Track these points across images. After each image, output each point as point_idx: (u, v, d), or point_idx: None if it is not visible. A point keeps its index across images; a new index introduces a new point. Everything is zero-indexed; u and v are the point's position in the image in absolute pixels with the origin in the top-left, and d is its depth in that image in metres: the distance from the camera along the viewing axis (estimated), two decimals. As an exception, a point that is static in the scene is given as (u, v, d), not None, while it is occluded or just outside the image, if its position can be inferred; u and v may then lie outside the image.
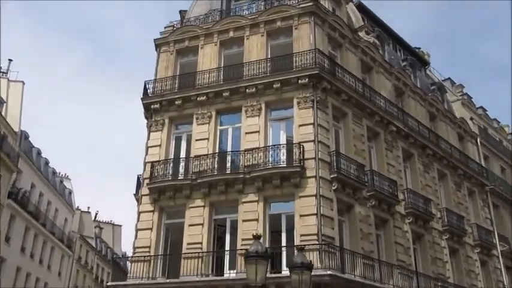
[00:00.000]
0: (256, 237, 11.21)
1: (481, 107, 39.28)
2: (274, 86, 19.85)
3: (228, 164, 19.37)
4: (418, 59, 33.27)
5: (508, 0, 79.47)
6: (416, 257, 22.75)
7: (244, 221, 18.23)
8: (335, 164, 18.69)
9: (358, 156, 20.48)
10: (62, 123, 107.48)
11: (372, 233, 19.66)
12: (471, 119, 33.45)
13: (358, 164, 19.86)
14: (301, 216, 17.67)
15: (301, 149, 18.40)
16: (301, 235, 17.33)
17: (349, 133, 20.76)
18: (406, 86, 26.49)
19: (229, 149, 20.10)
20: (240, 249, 17.24)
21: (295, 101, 19.55)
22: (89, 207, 57.47)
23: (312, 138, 18.69)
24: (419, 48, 35.52)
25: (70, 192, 49.37)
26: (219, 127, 20.75)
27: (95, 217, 59.87)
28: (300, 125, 19.14)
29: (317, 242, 16.81)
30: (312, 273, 16.18)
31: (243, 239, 17.87)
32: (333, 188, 18.41)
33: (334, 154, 18.91)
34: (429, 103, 28.08)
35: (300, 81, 19.48)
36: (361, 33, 25.15)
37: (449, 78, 37.13)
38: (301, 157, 18.27)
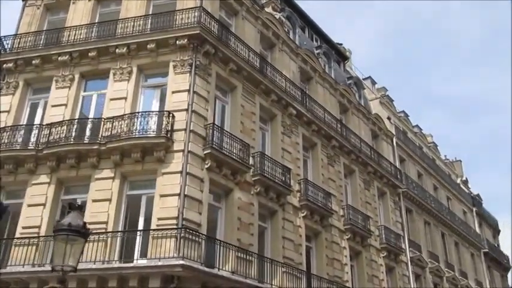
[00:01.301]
0: (75, 208, 8.51)
1: (403, 111, 37.95)
2: (148, 46, 16.82)
3: (87, 134, 16.07)
4: (337, 53, 31.33)
5: None
6: (311, 256, 20.29)
7: (94, 201, 14.97)
8: (211, 138, 15.81)
9: (245, 135, 17.74)
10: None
11: (253, 224, 16.85)
12: (388, 118, 31.73)
13: (243, 144, 17.10)
14: (161, 196, 14.60)
15: (170, 118, 15.42)
16: (159, 219, 14.26)
17: (237, 109, 18.01)
18: (315, 72, 24.18)
19: (90, 117, 16.82)
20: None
21: (171, 64, 16.58)
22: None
23: (185, 107, 15.75)
24: (341, 44, 33.68)
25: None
26: (82, 93, 17.49)
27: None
28: (174, 92, 16.17)
29: (175, 227, 13.78)
30: (163, 263, 13.45)
31: (89, 223, 14.60)
32: (206, 166, 15.49)
33: (211, 127, 16.03)
34: (340, 93, 25.94)
35: (178, 42, 16.55)
36: (268, 9, 22.65)
37: (369, 77, 35.47)
38: (169, 128, 15.29)
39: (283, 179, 18.58)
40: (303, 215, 19.42)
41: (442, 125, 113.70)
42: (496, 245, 46.05)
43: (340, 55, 31.96)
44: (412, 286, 26.74)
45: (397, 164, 30.06)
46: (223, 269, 14.74)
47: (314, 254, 20.35)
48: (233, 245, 15.36)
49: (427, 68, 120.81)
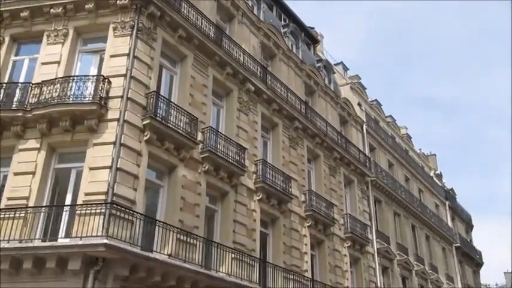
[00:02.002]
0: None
1: (376, 100, 36.79)
2: (86, 7, 15.09)
3: (14, 101, 14.32)
4: (308, 36, 29.99)
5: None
6: (267, 243, 18.89)
7: (16, 174, 13.30)
8: (152, 108, 14.26)
9: (194, 108, 16.22)
10: None
11: (199, 205, 15.35)
12: (359, 104, 30.50)
13: (191, 117, 15.57)
14: (90, 169, 13.00)
15: (106, 84, 13.81)
16: (86, 194, 12.66)
17: (186, 80, 16.46)
18: (279, 49, 22.74)
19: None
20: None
21: (111, 27, 14.93)
22: None
23: (122, 72, 14.14)
24: (312, 28, 32.29)
25: None
26: (12, 57, 15.75)
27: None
28: (112, 56, 14.55)
29: (103, 203, 12.20)
30: (84, 242, 11.80)
31: (9, 198, 13.01)
32: (145, 138, 13.94)
33: (154, 96, 14.47)
34: (307, 74, 24.55)
35: (119, 1, 14.90)
36: (228, -19, 21.10)
37: (341, 63, 34.21)
38: (104, 94, 13.68)
39: (237, 158, 17.11)
40: (258, 198, 17.99)
41: (423, 125, 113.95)
42: (468, 240, 45.31)
43: (310, 38, 30.62)
44: (379, 278, 25.55)
45: (367, 151, 28.84)
46: (162, 252, 13.28)
47: (271, 241, 18.94)
48: (174, 226, 13.84)
49: (410, 68, 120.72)
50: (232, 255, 15.69)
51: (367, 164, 27.71)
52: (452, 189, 46.76)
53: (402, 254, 29.14)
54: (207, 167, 15.82)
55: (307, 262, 19.89)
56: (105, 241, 11.41)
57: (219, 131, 17.24)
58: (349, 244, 23.15)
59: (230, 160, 16.69)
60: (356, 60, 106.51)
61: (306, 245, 20.17)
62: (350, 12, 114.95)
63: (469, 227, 47.16)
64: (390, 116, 38.65)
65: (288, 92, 21.60)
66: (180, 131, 14.87)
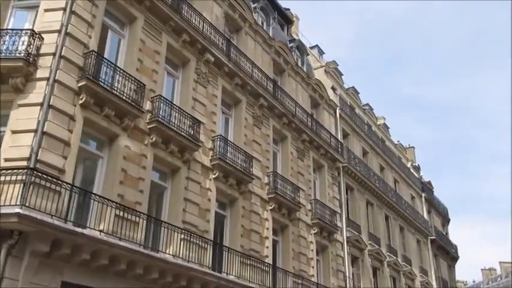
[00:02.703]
0: None
1: (353, 87, 35.65)
2: (21, -43, 13.64)
3: None
4: (281, 15, 28.66)
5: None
6: (224, 225, 17.62)
7: None
8: (90, 69, 12.80)
9: (142, 75, 14.82)
10: None
11: (144, 179, 13.96)
12: (333, 88, 29.29)
13: (139, 84, 14.16)
14: (13, 132, 11.53)
15: (37, 40, 12.32)
16: (6, 159, 11.18)
17: (135, 43, 15.01)
18: (245, 21, 21.36)
19: None
20: None
21: (47, -21, 13.46)
22: None
23: (57, 28, 12.68)
24: (288, 9, 30.96)
25: None
26: None
27: None
28: (46, 10, 13.07)
29: (23, 168, 10.74)
30: (-3, 211, 10.38)
31: None
32: (80, 101, 12.49)
33: (92, 56, 13.01)
34: (276, 51, 23.23)
35: (57, -48, 13.43)
36: None
37: (317, 46, 32.94)
38: (34, 51, 12.20)
39: (191, 131, 15.73)
40: (214, 176, 16.64)
41: (408, 127, 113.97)
42: (444, 233, 44.53)
43: (285, 19, 29.29)
44: (348, 268, 24.41)
45: (339, 137, 27.64)
46: (97, 228, 11.88)
47: (228, 223, 17.63)
48: (111, 200, 12.44)
49: (398, 68, 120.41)
50: (182, 235, 14.37)
51: (339, 150, 26.52)
52: (429, 182, 45.90)
53: (374, 244, 28.06)
54: (154, 139, 14.41)
55: (267, 247, 18.62)
56: (18, 210, 9.95)
57: (174, 103, 15.86)
58: (316, 231, 21.93)
59: (182, 133, 15.30)
60: (344, 60, 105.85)
61: (267, 229, 18.90)
62: (341, 12, 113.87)
63: (445, 220, 46.38)
64: (367, 104, 37.54)
65: (253, 68, 20.27)
66: (124, 97, 13.46)
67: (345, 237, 24.83)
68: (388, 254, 29.91)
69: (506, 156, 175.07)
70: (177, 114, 15.50)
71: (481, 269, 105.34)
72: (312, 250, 21.57)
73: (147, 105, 14.59)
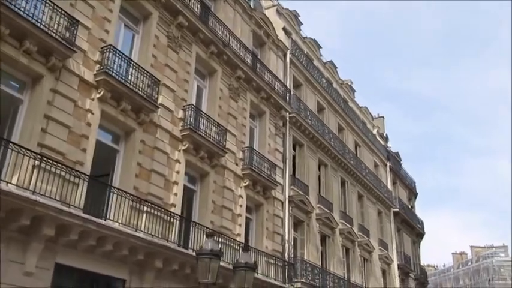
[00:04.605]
0: None
1: (314, 40, 32.05)
2: None
3: None
4: None
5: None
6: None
7: None
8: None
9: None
10: None
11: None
12: (284, 29, 25.67)
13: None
14: None
15: None
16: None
17: None
18: None
19: None
20: None
21: None
22: None
23: None
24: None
25: None
26: None
27: None
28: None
29: None
30: None
31: None
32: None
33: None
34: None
35: None
36: None
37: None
38: None
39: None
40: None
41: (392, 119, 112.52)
42: (410, 206, 41.66)
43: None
44: (288, 231, 21.11)
45: (288, 83, 24.12)
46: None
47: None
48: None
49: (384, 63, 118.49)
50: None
51: (288, 99, 23.03)
52: (397, 154, 42.92)
53: (324, 209, 24.79)
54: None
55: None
56: None
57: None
58: (246, 183, 18.49)
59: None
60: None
61: (177, 172, 15.35)
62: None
63: (412, 194, 43.52)
64: (331, 62, 34.00)
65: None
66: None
67: (286, 196, 21.49)
68: (341, 221, 26.74)
69: (484, 149, 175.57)
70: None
71: (452, 253, 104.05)
72: (241, 205, 18.14)
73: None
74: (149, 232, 12.79)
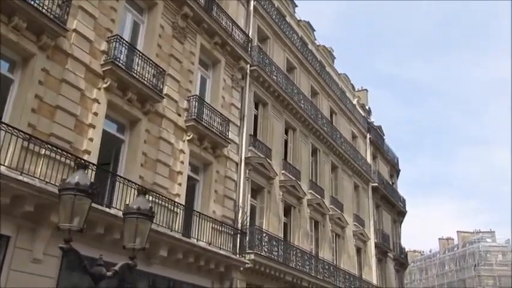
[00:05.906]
0: None
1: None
2: None
3: None
4: None
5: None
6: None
7: None
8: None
9: None
10: None
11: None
12: (250, -25, 22.87)
13: None
14: None
15: None
16: None
17: None
18: None
19: None
20: None
21: None
22: None
23: None
24: None
25: None
26: None
27: None
28: None
29: None
30: None
31: None
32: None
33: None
34: None
35: None
36: None
37: None
38: None
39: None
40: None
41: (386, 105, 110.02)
42: (391, 183, 39.32)
43: None
44: (243, 197, 18.60)
45: (250, 32, 21.42)
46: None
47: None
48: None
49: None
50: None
51: (249, 50, 20.38)
52: (380, 128, 40.47)
53: (289, 176, 22.30)
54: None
55: (91, 139, 12.53)
56: None
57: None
58: (190, 137, 15.89)
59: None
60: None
61: (96, 115, 12.74)
62: None
63: (394, 170, 41.19)
64: (308, 23, 31.26)
65: None
66: None
67: (242, 157, 18.95)
68: (310, 191, 24.29)
69: (475, 138, 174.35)
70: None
71: (439, 238, 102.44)
72: (183, 162, 15.57)
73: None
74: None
